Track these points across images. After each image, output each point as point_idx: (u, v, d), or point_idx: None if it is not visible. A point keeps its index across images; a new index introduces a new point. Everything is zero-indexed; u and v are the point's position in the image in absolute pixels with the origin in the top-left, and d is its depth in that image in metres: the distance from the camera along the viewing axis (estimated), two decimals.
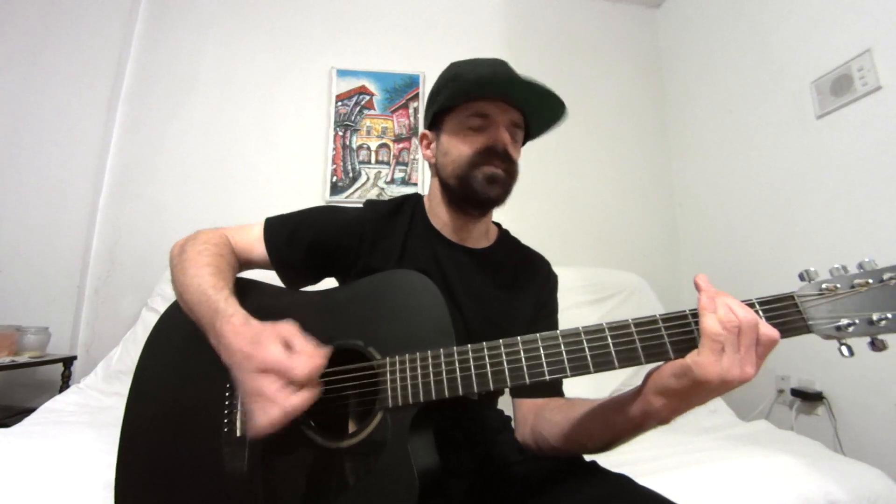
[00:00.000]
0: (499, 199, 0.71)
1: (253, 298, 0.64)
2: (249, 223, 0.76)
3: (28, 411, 1.17)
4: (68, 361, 1.60)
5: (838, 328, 0.43)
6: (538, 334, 0.50)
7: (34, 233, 1.73)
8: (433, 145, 0.76)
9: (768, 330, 0.43)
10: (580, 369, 0.48)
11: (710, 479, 0.82)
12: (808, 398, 1.43)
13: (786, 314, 0.45)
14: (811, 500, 0.79)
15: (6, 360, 1.41)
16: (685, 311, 0.47)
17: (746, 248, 1.77)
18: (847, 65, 1.39)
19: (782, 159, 1.62)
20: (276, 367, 0.47)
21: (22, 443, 0.88)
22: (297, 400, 0.46)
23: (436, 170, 0.76)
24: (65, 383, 1.57)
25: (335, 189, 1.97)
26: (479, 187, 0.69)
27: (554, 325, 0.77)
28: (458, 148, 0.71)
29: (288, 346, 0.50)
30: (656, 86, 2.33)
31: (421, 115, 2.05)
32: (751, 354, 0.43)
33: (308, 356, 0.48)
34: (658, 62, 2.35)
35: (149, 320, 1.54)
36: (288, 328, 0.51)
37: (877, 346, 0.44)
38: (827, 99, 1.45)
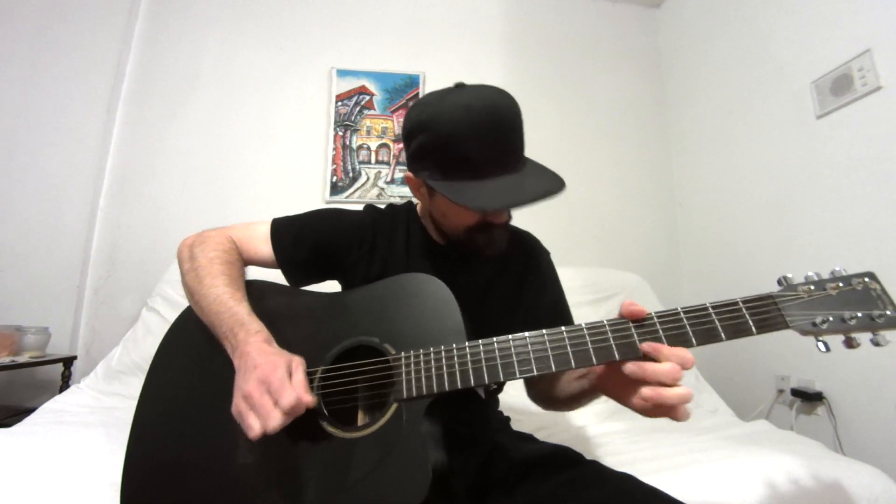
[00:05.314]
0: (498, 253, 0.72)
1: (272, 300, 0.69)
2: (254, 222, 0.79)
3: (28, 411, 1.17)
4: (68, 361, 1.60)
5: (814, 324, 0.48)
6: (545, 330, 0.54)
7: (34, 233, 1.73)
8: (423, 190, 0.72)
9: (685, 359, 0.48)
10: (584, 361, 0.51)
11: (709, 479, 0.81)
12: (808, 398, 1.43)
13: (766, 312, 0.49)
14: (811, 499, 0.79)
15: (6, 360, 1.41)
16: (651, 312, 0.51)
17: (746, 248, 1.77)
18: (847, 65, 1.39)
19: (782, 159, 1.62)
20: (272, 386, 0.52)
21: (23, 443, 0.88)
22: (274, 423, 0.50)
23: (430, 211, 0.76)
24: (65, 383, 1.57)
25: (335, 189, 1.97)
26: (479, 248, 0.71)
27: (544, 304, 0.79)
28: (456, 216, 0.69)
29: (290, 374, 0.54)
30: (656, 86, 2.33)
31: None
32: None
33: (297, 393, 0.51)
34: (658, 62, 2.35)
35: (149, 320, 1.54)
36: (297, 360, 0.56)
37: (850, 343, 0.47)
38: (827, 99, 1.45)
